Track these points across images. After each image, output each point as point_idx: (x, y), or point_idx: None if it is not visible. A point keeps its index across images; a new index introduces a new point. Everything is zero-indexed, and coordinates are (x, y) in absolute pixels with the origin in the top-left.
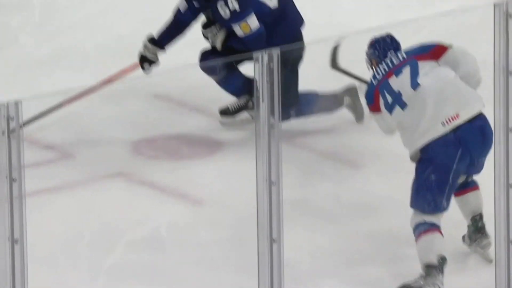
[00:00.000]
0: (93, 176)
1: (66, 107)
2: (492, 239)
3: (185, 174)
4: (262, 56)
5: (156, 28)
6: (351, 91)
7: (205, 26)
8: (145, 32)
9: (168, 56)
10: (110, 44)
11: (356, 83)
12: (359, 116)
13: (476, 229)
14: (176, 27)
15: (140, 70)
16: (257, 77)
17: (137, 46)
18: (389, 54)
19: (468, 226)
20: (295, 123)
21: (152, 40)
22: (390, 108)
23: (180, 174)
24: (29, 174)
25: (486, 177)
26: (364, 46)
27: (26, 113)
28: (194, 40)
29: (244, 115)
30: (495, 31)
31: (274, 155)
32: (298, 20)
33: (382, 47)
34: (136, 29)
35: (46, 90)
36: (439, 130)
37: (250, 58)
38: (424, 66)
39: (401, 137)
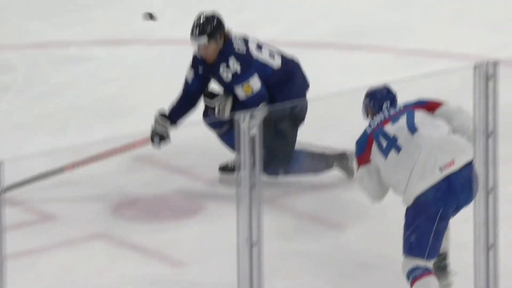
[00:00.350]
0: (74, 237)
1: (44, 169)
2: (453, 280)
3: (166, 235)
4: (244, 116)
5: (138, 90)
6: (342, 157)
7: (210, 96)
8: (128, 94)
9: (150, 116)
10: (93, 107)
11: (348, 151)
12: (349, 174)
13: (440, 268)
14: (186, 99)
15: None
16: (239, 138)
17: (120, 108)
18: (384, 105)
19: (433, 264)
20: (277, 183)
21: (163, 115)
22: (385, 152)
23: (161, 236)
24: (9, 236)
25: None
26: (347, 106)
27: (8, 176)
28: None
29: None
30: (475, 92)
31: (255, 216)
32: (303, 83)
33: (379, 98)
34: (120, 91)
35: (29, 152)
36: (436, 176)
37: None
38: (420, 115)
39: (393, 185)
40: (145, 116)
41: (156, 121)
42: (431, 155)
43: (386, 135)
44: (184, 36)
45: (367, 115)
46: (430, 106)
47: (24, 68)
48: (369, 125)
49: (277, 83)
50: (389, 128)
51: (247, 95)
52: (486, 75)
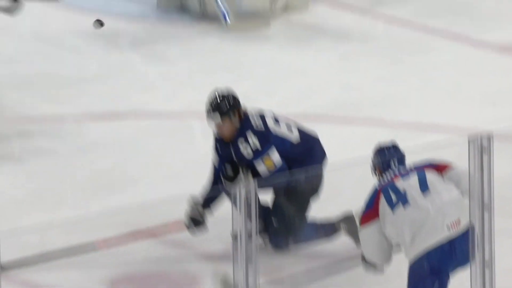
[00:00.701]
0: None
1: (46, 243)
2: None
3: None
4: (240, 190)
5: (134, 163)
6: (348, 219)
7: (230, 179)
8: (124, 167)
9: (146, 190)
10: (89, 180)
11: (353, 210)
12: (356, 239)
13: None
14: (216, 183)
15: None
16: (234, 211)
17: (117, 182)
18: (392, 162)
19: None
20: (273, 257)
21: (197, 201)
22: (393, 207)
23: None
24: None
25: None
26: (344, 179)
27: (3, 251)
28: (174, 173)
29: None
30: (469, 164)
31: None
32: (322, 157)
33: (386, 155)
34: (116, 165)
35: (25, 227)
36: (444, 233)
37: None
38: (431, 176)
39: (398, 239)
40: (142, 189)
41: (190, 206)
42: (439, 214)
43: (396, 190)
44: (179, 109)
45: (375, 173)
46: (439, 168)
47: (19, 142)
48: (379, 182)
49: (296, 157)
50: (400, 184)
51: (269, 170)
52: (481, 148)
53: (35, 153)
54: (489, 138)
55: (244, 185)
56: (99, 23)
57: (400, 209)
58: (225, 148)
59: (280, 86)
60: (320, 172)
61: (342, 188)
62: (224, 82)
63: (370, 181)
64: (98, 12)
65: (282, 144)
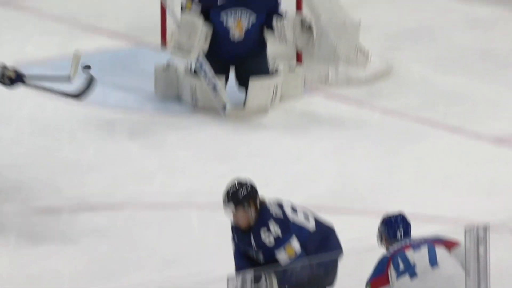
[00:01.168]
0: None
1: None
2: None
3: None
4: (236, 278)
5: (130, 254)
6: None
7: (254, 280)
8: (119, 257)
9: (142, 280)
10: (86, 269)
11: None
12: None
13: None
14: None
15: None
16: None
17: (113, 270)
18: (398, 232)
19: None
20: None
21: None
22: (399, 274)
23: None
24: None
25: None
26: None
27: None
28: (169, 263)
29: None
30: (466, 255)
31: None
32: (337, 248)
33: (393, 225)
34: (111, 255)
35: None
36: None
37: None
38: (441, 251)
39: None
40: (138, 279)
41: None
42: None
43: (406, 260)
44: (176, 198)
45: (381, 242)
46: (448, 244)
47: (15, 231)
48: (388, 250)
49: (312, 246)
50: (410, 255)
51: (290, 258)
52: (477, 239)
53: (31, 242)
54: (485, 229)
55: (240, 276)
56: (86, 67)
57: (405, 278)
58: (243, 237)
59: (277, 175)
60: (335, 262)
61: (341, 276)
62: (221, 171)
63: (367, 269)
64: (95, 103)
65: (300, 232)
